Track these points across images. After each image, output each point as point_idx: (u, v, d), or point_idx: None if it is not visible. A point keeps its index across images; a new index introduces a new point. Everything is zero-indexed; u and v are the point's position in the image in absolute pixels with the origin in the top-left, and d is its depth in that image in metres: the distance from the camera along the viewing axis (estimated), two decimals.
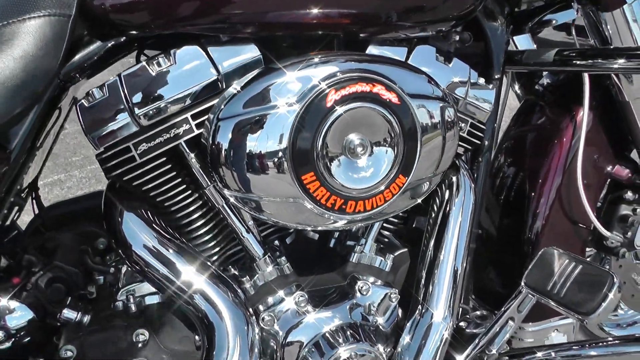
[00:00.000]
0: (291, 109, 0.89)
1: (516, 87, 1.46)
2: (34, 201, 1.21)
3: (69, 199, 1.33)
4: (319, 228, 1.01)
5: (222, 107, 0.91)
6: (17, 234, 1.18)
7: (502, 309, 1.10)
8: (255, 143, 0.89)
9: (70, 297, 1.09)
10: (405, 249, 1.17)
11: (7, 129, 0.88)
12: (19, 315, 1.06)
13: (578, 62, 1.14)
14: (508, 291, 1.15)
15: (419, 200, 1.04)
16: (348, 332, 1.05)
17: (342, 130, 0.91)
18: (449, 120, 0.99)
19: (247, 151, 0.90)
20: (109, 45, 0.96)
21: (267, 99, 0.91)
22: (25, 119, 0.90)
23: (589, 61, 1.13)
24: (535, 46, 1.33)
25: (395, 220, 1.17)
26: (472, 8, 1.04)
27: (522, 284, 1.06)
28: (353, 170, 0.93)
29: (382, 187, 0.96)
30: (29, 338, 1.07)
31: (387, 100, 0.92)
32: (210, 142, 0.92)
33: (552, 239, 1.28)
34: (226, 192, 0.95)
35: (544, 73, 1.39)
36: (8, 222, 1.12)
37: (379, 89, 0.92)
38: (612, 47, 1.19)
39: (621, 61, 1.08)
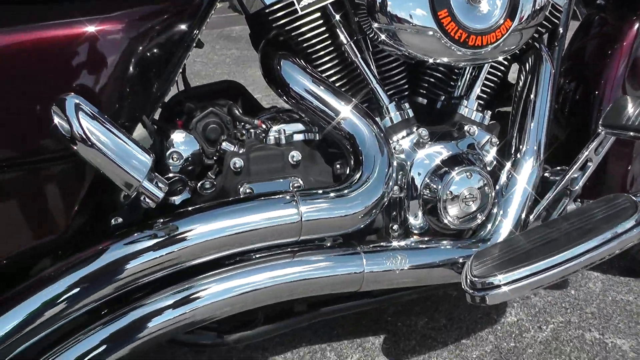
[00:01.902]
0: None
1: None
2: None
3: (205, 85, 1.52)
4: (444, 60, 1.23)
5: None
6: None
7: (581, 153, 1.33)
8: None
9: (226, 136, 1.28)
10: (498, 109, 1.42)
11: None
12: (188, 140, 1.24)
13: None
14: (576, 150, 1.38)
15: (517, 50, 1.28)
16: (460, 157, 1.28)
17: None
18: None
19: None
20: None
21: None
22: None
23: None
24: None
25: (494, 78, 1.40)
26: None
27: (600, 126, 1.29)
28: (475, 12, 1.18)
29: (498, 23, 1.19)
30: (192, 167, 1.25)
31: None
32: None
33: None
34: (375, 25, 1.18)
35: None
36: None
37: None
38: None
39: None
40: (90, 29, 0.99)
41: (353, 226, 1.18)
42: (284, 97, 1.23)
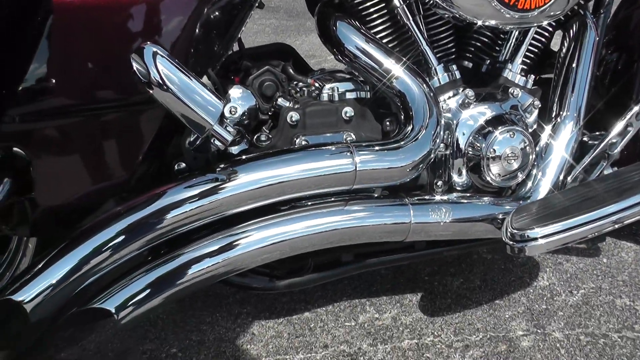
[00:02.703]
0: None
1: None
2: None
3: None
4: (492, 22, 1.29)
5: None
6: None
7: (622, 117, 1.38)
8: None
9: (281, 92, 1.35)
10: (540, 75, 1.47)
11: None
12: (245, 96, 1.29)
13: None
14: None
15: (562, 14, 1.33)
16: (504, 118, 1.34)
17: None
18: None
19: None
20: None
21: None
22: None
23: None
24: None
25: (539, 44, 1.45)
26: None
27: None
28: None
29: None
30: (251, 120, 1.31)
31: None
32: None
33: None
34: None
35: None
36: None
37: None
38: None
39: None
40: None
41: (402, 178, 1.25)
42: (339, 56, 1.30)
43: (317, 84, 1.37)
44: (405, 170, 1.24)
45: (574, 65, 1.43)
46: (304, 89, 1.38)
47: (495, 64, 1.44)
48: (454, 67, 1.37)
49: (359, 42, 1.28)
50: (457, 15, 1.29)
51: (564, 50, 1.47)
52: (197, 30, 1.12)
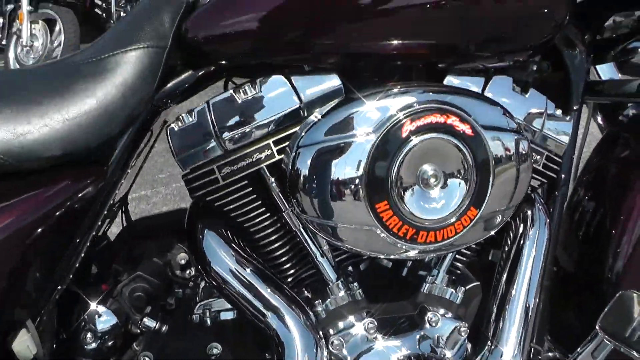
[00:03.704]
0: (368, 138, 0.92)
1: (598, 117, 1.42)
2: (123, 215, 1.29)
3: (154, 214, 1.40)
4: (392, 257, 1.02)
5: (303, 134, 0.95)
6: (107, 244, 1.26)
7: (576, 352, 1.07)
8: (332, 170, 0.93)
9: (151, 307, 1.15)
10: (478, 283, 1.17)
11: (105, 148, 0.96)
12: (105, 319, 1.12)
13: None
14: (586, 333, 1.12)
15: (492, 233, 1.04)
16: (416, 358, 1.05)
17: (417, 160, 0.93)
18: (523, 153, 0.99)
19: (325, 178, 0.93)
20: (200, 73, 1.02)
21: (346, 127, 0.94)
22: (120, 140, 0.97)
23: None
24: (619, 75, 1.29)
25: (469, 252, 1.17)
26: (551, 37, 1.04)
27: (597, 327, 1.02)
28: (425, 201, 0.95)
29: (454, 219, 0.96)
30: (112, 342, 1.13)
31: (461, 131, 0.94)
32: (290, 168, 0.95)
33: (635, 281, 1.23)
34: (303, 217, 0.98)
35: (629, 104, 1.34)
36: (100, 233, 1.21)
37: (453, 120, 0.93)
38: None
39: None
40: None
41: None
42: (205, 277, 1.07)
43: (188, 295, 1.16)
44: None
45: (519, 269, 1.12)
46: (180, 297, 1.16)
47: (417, 269, 1.15)
48: (356, 285, 1.10)
49: (230, 263, 1.04)
50: (344, 248, 1.03)
51: (509, 242, 1.15)
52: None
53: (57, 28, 5.07)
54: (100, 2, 5.66)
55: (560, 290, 1.23)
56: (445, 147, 0.94)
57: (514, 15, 0.99)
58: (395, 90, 0.96)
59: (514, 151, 0.97)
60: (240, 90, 1.00)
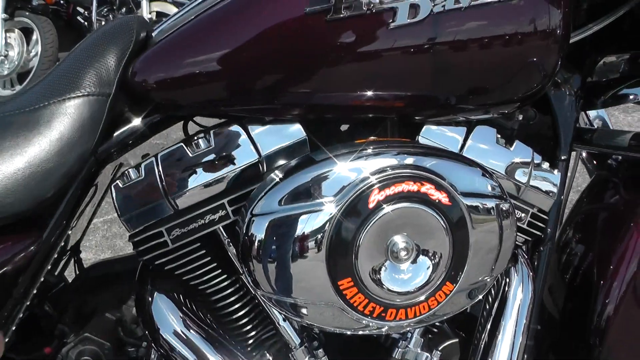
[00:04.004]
0: (330, 209, 0.82)
1: (584, 155, 1.34)
2: (75, 264, 1.20)
3: (110, 258, 1.31)
4: (359, 333, 0.93)
5: (257, 202, 0.85)
6: (55, 298, 1.16)
7: None
8: (288, 243, 0.83)
9: None
10: (456, 340, 1.08)
11: (41, 211, 0.86)
12: None
13: None
14: None
15: (471, 304, 0.95)
16: None
17: (385, 232, 0.84)
18: (506, 219, 0.89)
19: (281, 251, 0.83)
20: (149, 121, 0.92)
21: (307, 194, 0.84)
22: (59, 201, 0.87)
23: None
24: (610, 122, 1.22)
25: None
26: (540, 87, 0.95)
27: None
28: (395, 276, 0.85)
29: (426, 296, 0.87)
30: None
31: (436, 200, 0.84)
32: (243, 236, 0.86)
33: (623, 332, 1.15)
34: (258, 292, 0.89)
35: None
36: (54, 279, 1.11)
37: (427, 189, 0.84)
38: None
39: None
40: None
41: None
42: (153, 344, 0.97)
43: (141, 356, 1.06)
44: None
45: (501, 328, 1.03)
46: None
47: (387, 336, 1.06)
48: (321, 351, 1.01)
49: (179, 328, 0.95)
50: (305, 324, 0.93)
51: (490, 300, 1.06)
52: None
53: (34, 37, 4.93)
54: (82, 11, 5.53)
55: (546, 337, 1.15)
56: (418, 217, 0.84)
57: (500, 65, 0.90)
58: (365, 152, 0.86)
59: (495, 218, 0.88)
60: (193, 143, 0.90)
